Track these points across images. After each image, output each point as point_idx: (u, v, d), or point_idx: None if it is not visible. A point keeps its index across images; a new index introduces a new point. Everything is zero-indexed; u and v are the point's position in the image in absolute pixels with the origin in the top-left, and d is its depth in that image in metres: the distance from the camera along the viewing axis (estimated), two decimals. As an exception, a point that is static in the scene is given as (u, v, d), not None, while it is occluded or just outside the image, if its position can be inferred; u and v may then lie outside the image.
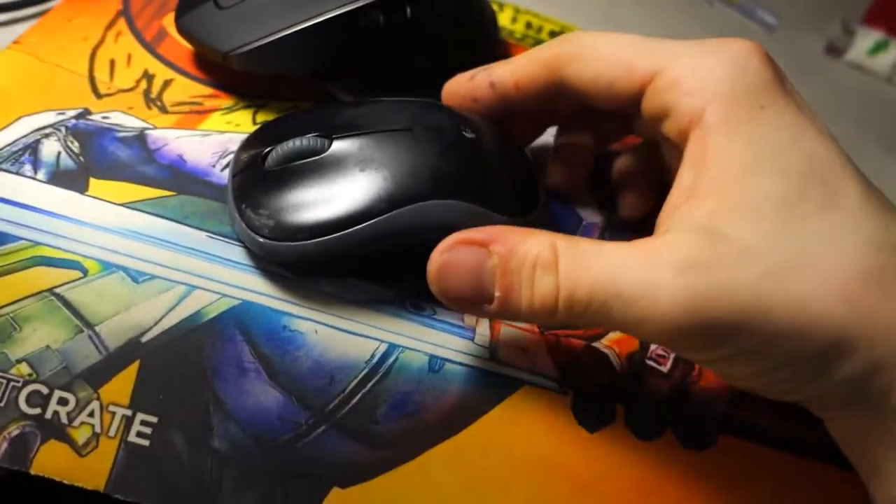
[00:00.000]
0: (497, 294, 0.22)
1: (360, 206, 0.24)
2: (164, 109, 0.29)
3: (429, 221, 0.24)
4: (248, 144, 0.26)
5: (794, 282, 0.20)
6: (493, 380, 0.25)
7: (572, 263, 0.21)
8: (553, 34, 0.38)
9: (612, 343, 0.27)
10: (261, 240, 0.24)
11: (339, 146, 0.25)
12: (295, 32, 0.28)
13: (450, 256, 0.22)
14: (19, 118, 0.27)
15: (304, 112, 0.28)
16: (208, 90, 0.30)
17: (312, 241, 0.24)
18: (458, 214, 0.25)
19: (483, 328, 0.26)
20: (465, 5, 0.31)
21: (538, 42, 0.37)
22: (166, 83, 0.30)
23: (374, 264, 0.26)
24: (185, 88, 0.30)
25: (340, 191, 0.24)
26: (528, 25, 0.38)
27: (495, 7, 0.38)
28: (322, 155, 0.24)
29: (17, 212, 0.25)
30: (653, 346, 0.27)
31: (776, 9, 0.49)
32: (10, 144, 0.26)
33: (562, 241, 0.21)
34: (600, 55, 0.24)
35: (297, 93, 0.31)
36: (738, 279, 0.20)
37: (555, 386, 0.26)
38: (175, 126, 0.29)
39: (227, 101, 0.30)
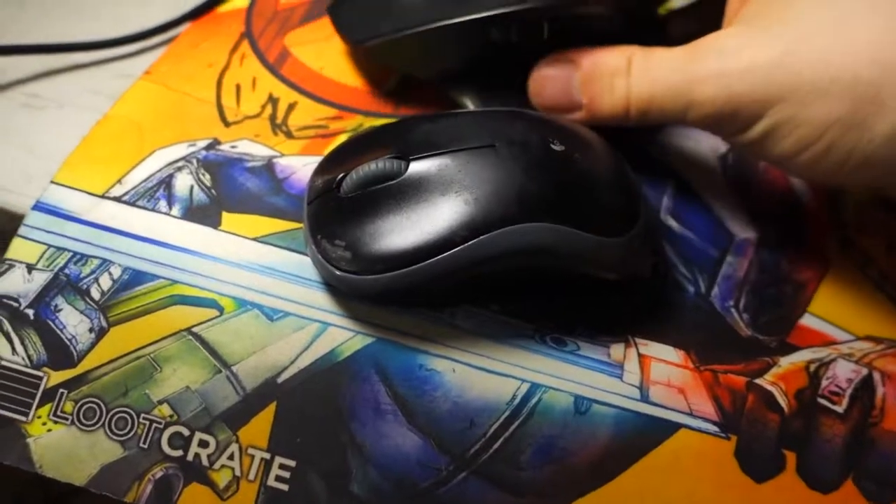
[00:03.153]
0: (584, 101, 0.26)
1: (440, 235, 0.22)
2: (289, 135, 0.28)
3: (516, 247, 0.22)
4: (322, 169, 0.25)
5: (817, 49, 0.21)
6: (646, 423, 0.23)
7: (640, 70, 0.24)
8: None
9: (777, 379, 0.24)
10: (339, 273, 0.23)
11: (416, 168, 0.23)
12: (423, 32, 0.27)
13: (544, 70, 0.26)
14: (153, 152, 0.27)
15: (380, 129, 0.26)
16: (333, 112, 0.29)
17: (392, 273, 0.22)
18: (546, 238, 0.22)
19: (632, 364, 0.24)
20: (618, 27, 0.28)
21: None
22: (291, 106, 0.29)
23: (478, 290, 0.25)
24: (310, 111, 0.29)
25: (420, 218, 0.22)
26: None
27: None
28: (399, 179, 0.23)
29: (154, 250, 0.25)
30: (825, 383, 0.24)
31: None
32: (145, 180, 0.26)
33: (637, 52, 0.25)
34: None
35: (423, 107, 0.30)
36: (762, 56, 0.22)
37: (716, 430, 0.23)
38: (302, 152, 0.28)
39: (352, 122, 0.29)
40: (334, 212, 0.23)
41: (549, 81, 0.26)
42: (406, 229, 0.22)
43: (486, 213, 0.22)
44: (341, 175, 0.24)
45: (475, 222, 0.22)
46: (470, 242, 0.22)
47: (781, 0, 0.22)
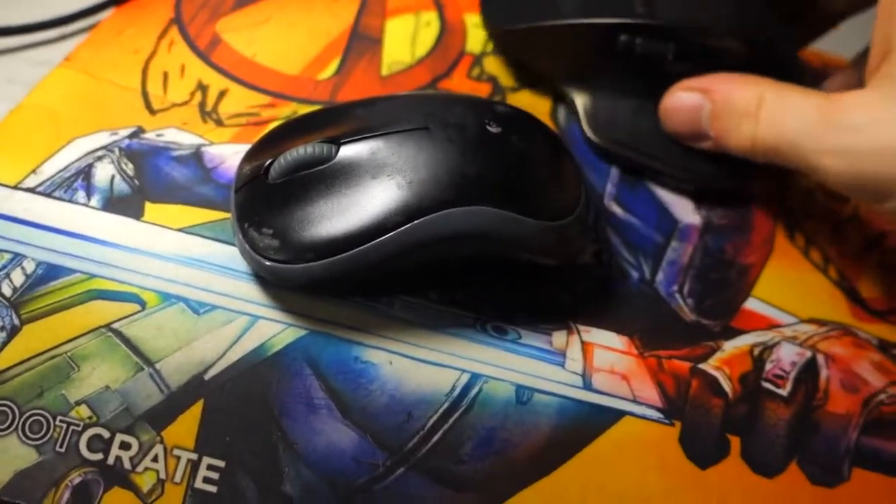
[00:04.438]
0: (712, 134, 0.26)
1: (373, 220, 0.21)
2: (220, 122, 0.27)
3: (452, 232, 0.21)
4: (251, 155, 0.24)
5: None
6: (589, 411, 0.23)
7: (769, 116, 0.24)
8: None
9: (721, 363, 0.24)
10: (267, 263, 0.22)
11: (347, 152, 0.22)
12: (560, 25, 0.28)
13: (677, 96, 0.27)
14: (71, 141, 0.26)
15: (310, 115, 0.25)
16: (265, 99, 0.28)
17: (322, 261, 0.21)
18: (484, 222, 0.21)
19: (574, 352, 0.24)
20: (750, 61, 0.27)
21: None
22: (221, 94, 0.28)
23: (415, 278, 0.24)
24: (242, 98, 0.28)
25: (351, 203, 0.21)
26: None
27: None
28: (329, 163, 0.22)
29: (71, 242, 0.23)
30: (769, 367, 0.24)
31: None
32: (62, 170, 0.25)
33: (769, 92, 0.24)
34: None
35: (362, 92, 0.29)
36: (891, 138, 0.21)
37: (660, 416, 0.23)
38: (232, 140, 0.27)
39: (285, 110, 0.28)
40: (262, 199, 0.22)
41: (680, 108, 0.27)
42: (337, 215, 0.21)
43: (419, 197, 0.21)
44: (269, 161, 0.23)
45: (409, 207, 0.21)
46: (403, 227, 0.21)
47: None
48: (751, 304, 0.26)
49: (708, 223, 0.28)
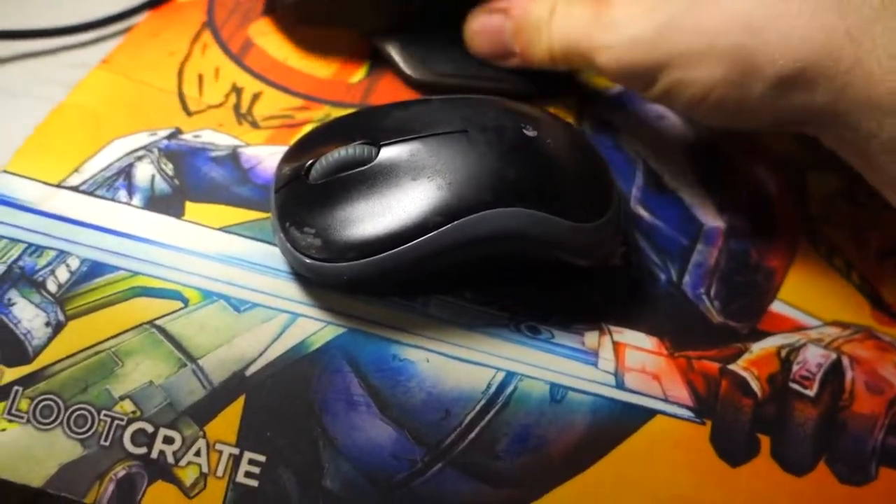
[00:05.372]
0: (517, 50, 0.27)
1: (413, 221, 0.22)
2: (255, 124, 0.28)
3: (491, 232, 0.22)
4: (291, 156, 0.24)
5: (691, 21, 0.23)
6: (621, 409, 0.23)
7: (557, 23, 0.26)
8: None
9: (749, 364, 0.24)
10: (308, 261, 0.22)
11: (387, 154, 0.22)
12: None
13: (479, 20, 0.28)
14: (111, 141, 0.26)
15: (349, 117, 0.26)
16: (299, 102, 0.29)
17: (363, 260, 0.22)
18: (522, 223, 0.22)
19: (606, 352, 0.24)
20: None
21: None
22: (256, 96, 0.29)
23: (451, 278, 0.24)
24: (276, 101, 0.29)
25: (391, 204, 0.22)
26: None
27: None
28: (370, 165, 0.22)
29: (114, 240, 0.24)
30: (796, 368, 0.25)
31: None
32: (103, 169, 0.25)
33: (560, 3, 0.26)
34: None
35: (392, 97, 0.29)
36: (644, 29, 0.24)
37: (691, 415, 0.23)
38: (267, 142, 0.27)
39: (319, 112, 0.29)
40: (303, 199, 0.23)
41: (484, 30, 0.28)
42: (377, 215, 0.22)
43: (459, 198, 0.22)
44: (310, 161, 0.23)
45: (448, 207, 0.22)
46: (443, 228, 0.22)
47: None
48: (777, 307, 0.26)
49: (731, 226, 0.28)
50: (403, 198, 0.22)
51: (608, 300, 0.25)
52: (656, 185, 0.29)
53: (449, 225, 0.22)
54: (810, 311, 0.27)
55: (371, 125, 0.24)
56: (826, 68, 0.22)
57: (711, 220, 0.28)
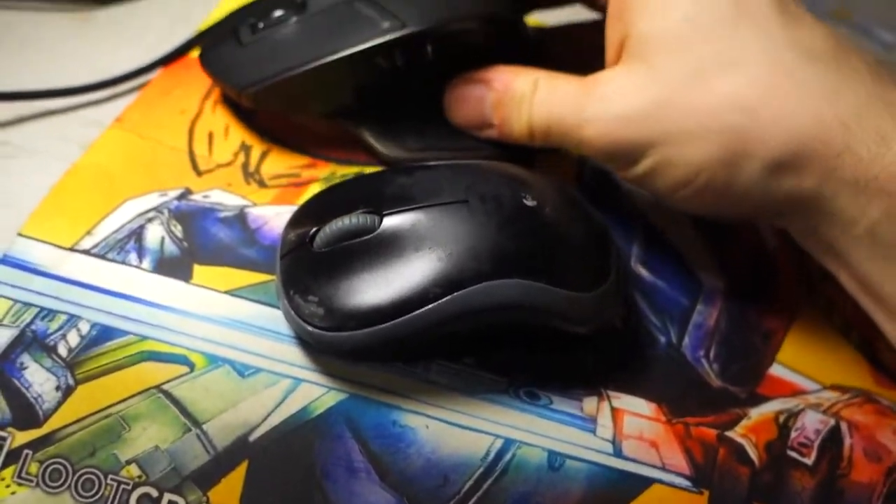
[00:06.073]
0: (496, 122, 0.27)
1: (414, 292, 0.22)
2: (262, 183, 0.28)
3: (490, 304, 0.22)
4: (296, 221, 0.25)
5: (683, 98, 0.23)
6: (619, 478, 0.23)
7: (541, 98, 0.26)
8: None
9: (747, 431, 0.25)
10: (311, 329, 0.23)
11: (390, 223, 0.23)
12: (309, 70, 0.26)
13: (460, 90, 0.28)
14: (124, 202, 0.27)
15: (353, 181, 0.26)
16: (305, 159, 0.29)
17: (365, 330, 0.22)
18: (520, 294, 0.23)
19: (605, 418, 0.24)
20: (493, 39, 0.29)
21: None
22: (264, 154, 0.29)
23: (452, 344, 0.25)
24: (283, 159, 0.29)
25: (393, 274, 0.22)
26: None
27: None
28: (372, 234, 0.23)
29: (124, 304, 0.24)
30: (794, 435, 0.25)
31: (894, 25, 0.45)
32: (115, 231, 0.26)
33: (542, 78, 0.26)
34: None
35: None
36: (634, 105, 0.24)
37: (688, 484, 0.23)
38: (274, 202, 0.28)
39: (325, 171, 0.29)
40: (307, 267, 0.23)
41: (463, 100, 0.28)
42: (380, 286, 0.22)
43: (459, 269, 0.22)
44: (314, 229, 0.24)
45: (448, 279, 0.22)
46: (443, 299, 0.22)
47: (651, 45, 0.24)
48: (775, 370, 0.27)
49: (732, 285, 0.29)
50: (405, 269, 0.22)
51: (607, 364, 0.26)
52: (657, 243, 0.29)
53: (448, 297, 0.22)
54: (809, 375, 0.27)
55: (375, 192, 0.24)
56: (816, 152, 0.22)
57: (712, 278, 0.29)
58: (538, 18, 0.34)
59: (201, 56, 0.29)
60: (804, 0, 0.25)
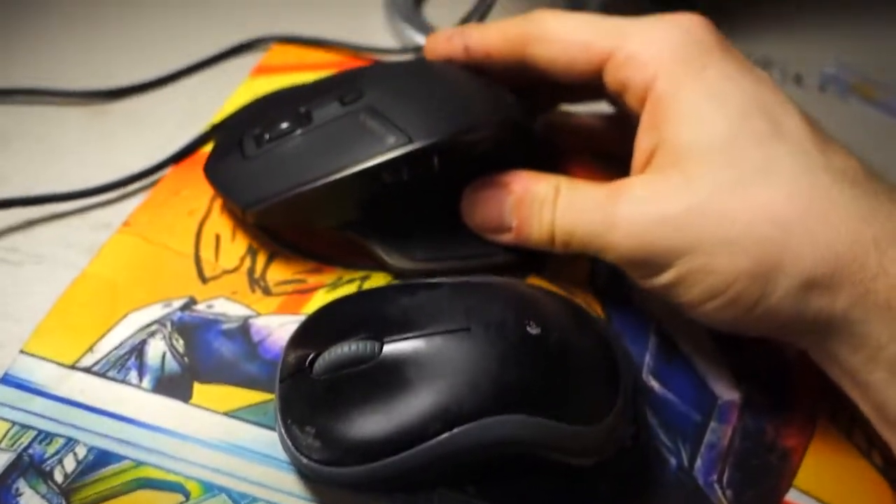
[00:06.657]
0: (514, 224, 0.27)
1: (413, 427, 0.22)
2: (267, 291, 0.28)
3: (490, 440, 0.22)
4: (296, 342, 0.24)
5: (720, 206, 0.23)
6: None
7: (565, 203, 0.26)
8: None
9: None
10: (306, 461, 0.22)
11: (390, 350, 0.23)
12: (312, 189, 0.26)
13: (479, 192, 0.28)
14: (127, 315, 0.27)
15: (355, 299, 0.26)
16: (311, 264, 0.29)
17: (361, 467, 0.22)
18: (521, 431, 0.22)
19: (610, 555, 0.23)
20: (502, 145, 0.28)
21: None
22: (270, 258, 0.29)
23: (453, 476, 0.24)
24: (289, 263, 0.29)
25: (391, 409, 0.22)
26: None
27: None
28: (372, 362, 0.23)
29: (122, 427, 0.24)
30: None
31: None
32: (116, 347, 0.26)
33: (564, 183, 0.26)
34: (559, 36, 0.27)
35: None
36: (671, 209, 0.23)
37: None
38: (278, 310, 0.28)
39: (330, 277, 0.29)
40: (305, 395, 0.23)
41: (481, 202, 0.28)
42: (378, 420, 0.22)
43: (459, 404, 0.22)
44: (314, 354, 0.23)
45: (448, 414, 0.22)
46: (443, 436, 0.22)
47: (689, 154, 0.24)
48: (792, 496, 0.26)
49: (748, 400, 0.27)
50: (404, 402, 0.22)
51: (615, 489, 0.25)
52: (670, 352, 0.28)
53: (448, 433, 0.22)
54: (828, 501, 0.26)
55: (376, 313, 0.24)
56: (852, 273, 0.21)
57: (727, 392, 0.28)
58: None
59: (206, 168, 0.29)
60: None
